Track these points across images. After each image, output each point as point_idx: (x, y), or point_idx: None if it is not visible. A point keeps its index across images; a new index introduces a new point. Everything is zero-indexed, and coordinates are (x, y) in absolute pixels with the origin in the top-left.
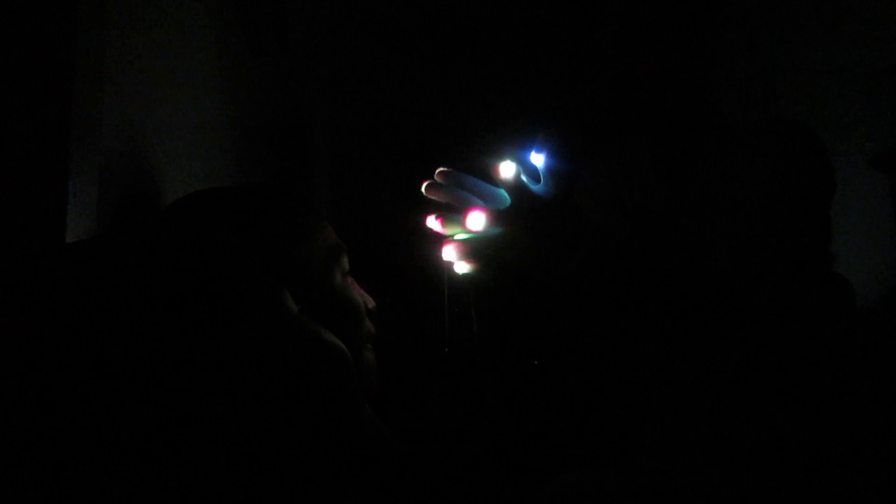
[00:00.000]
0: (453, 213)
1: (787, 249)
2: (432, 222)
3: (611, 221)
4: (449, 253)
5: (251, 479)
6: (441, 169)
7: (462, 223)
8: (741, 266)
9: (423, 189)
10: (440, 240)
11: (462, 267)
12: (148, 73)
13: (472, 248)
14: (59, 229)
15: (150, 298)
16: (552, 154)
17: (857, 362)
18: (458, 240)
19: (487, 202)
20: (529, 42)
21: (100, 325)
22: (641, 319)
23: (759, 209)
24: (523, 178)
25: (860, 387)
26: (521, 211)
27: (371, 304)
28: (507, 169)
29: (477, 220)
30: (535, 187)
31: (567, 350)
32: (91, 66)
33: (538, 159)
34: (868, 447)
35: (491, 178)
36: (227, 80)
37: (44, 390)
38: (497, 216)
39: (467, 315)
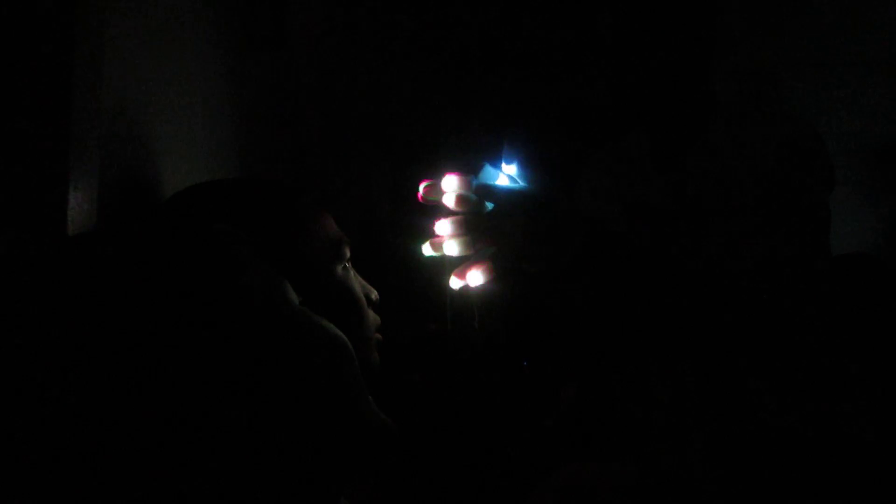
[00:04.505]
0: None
1: (784, 243)
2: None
3: (610, 215)
4: (458, 271)
5: (254, 470)
6: (425, 184)
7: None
8: (739, 259)
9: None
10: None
11: (476, 279)
12: (147, 66)
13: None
14: (60, 221)
15: (152, 291)
16: (522, 163)
17: (863, 354)
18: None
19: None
20: (528, 39)
21: (102, 317)
22: (641, 312)
23: (757, 203)
24: (496, 183)
25: (864, 381)
26: (508, 210)
27: (374, 295)
28: (462, 184)
29: (444, 227)
30: (519, 186)
31: (567, 343)
32: (90, 60)
33: (510, 169)
34: (871, 445)
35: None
36: (226, 71)
37: (45, 383)
38: (483, 218)
39: (469, 311)
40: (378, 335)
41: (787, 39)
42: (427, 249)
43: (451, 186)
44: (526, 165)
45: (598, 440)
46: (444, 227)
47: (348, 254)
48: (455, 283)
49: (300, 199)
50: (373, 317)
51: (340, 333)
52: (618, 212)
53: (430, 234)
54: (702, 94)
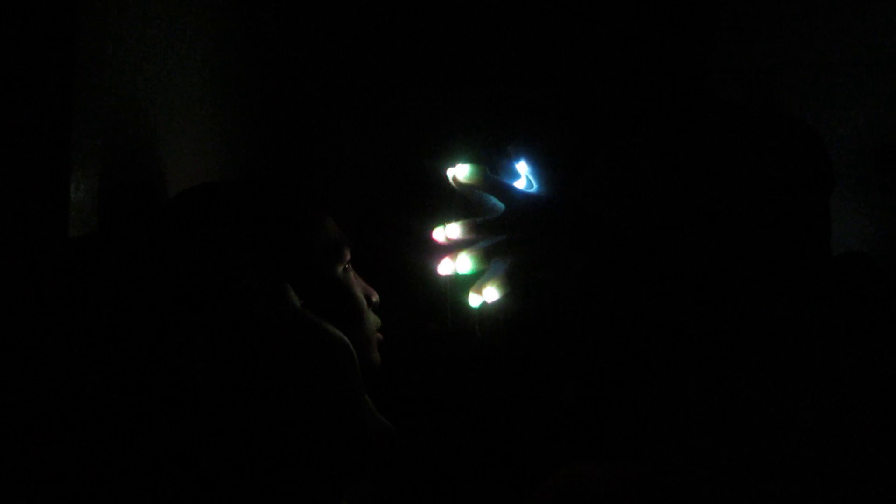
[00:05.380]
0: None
1: (786, 245)
2: (438, 234)
3: (609, 219)
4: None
5: (254, 472)
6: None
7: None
8: (741, 262)
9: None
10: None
11: (492, 295)
12: (148, 67)
13: (482, 259)
14: (61, 224)
15: (153, 294)
16: (532, 160)
17: (864, 357)
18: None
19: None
20: (528, 39)
21: (102, 319)
22: (648, 315)
23: (757, 206)
24: (506, 182)
25: (865, 383)
26: (522, 215)
27: (375, 297)
28: (475, 174)
29: (453, 231)
30: (531, 190)
31: (575, 346)
32: (91, 60)
33: (522, 167)
34: (870, 446)
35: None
36: (228, 72)
37: (46, 383)
38: (493, 224)
39: (469, 313)
40: (379, 335)
41: (787, 39)
42: (443, 268)
43: (468, 176)
44: (538, 166)
45: (598, 440)
46: (456, 230)
47: (349, 255)
48: (474, 300)
49: (301, 200)
50: (373, 318)
51: (342, 335)
52: (617, 215)
53: (434, 247)
54: (701, 95)
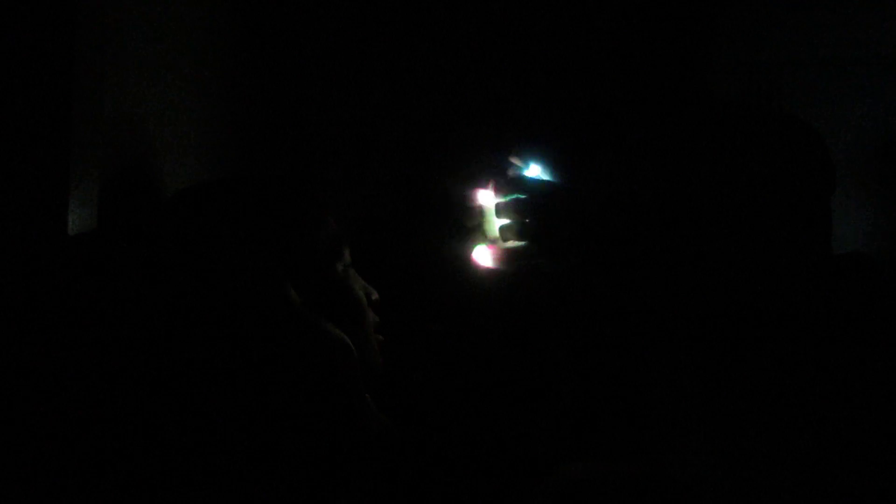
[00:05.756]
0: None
1: (787, 244)
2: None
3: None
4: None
5: (254, 471)
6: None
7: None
8: (741, 261)
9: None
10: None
11: (486, 258)
12: (148, 66)
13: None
14: (60, 222)
15: (154, 291)
16: (541, 160)
17: (867, 356)
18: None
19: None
20: (527, 40)
21: (102, 317)
22: (647, 313)
23: (759, 204)
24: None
25: (868, 383)
26: (541, 202)
27: (374, 295)
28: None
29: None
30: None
31: (572, 342)
32: (91, 61)
33: (534, 170)
34: (873, 445)
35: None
36: (227, 71)
37: (46, 382)
38: (516, 206)
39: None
40: (379, 336)
41: (787, 37)
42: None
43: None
44: (548, 165)
45: (598, 440)
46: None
47: (348, 254)
48: (479, 253)
49: (300, 198)
50: (373, 316)
51: (342, 334)
52: (618, 216)
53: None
54: (701, 93)
